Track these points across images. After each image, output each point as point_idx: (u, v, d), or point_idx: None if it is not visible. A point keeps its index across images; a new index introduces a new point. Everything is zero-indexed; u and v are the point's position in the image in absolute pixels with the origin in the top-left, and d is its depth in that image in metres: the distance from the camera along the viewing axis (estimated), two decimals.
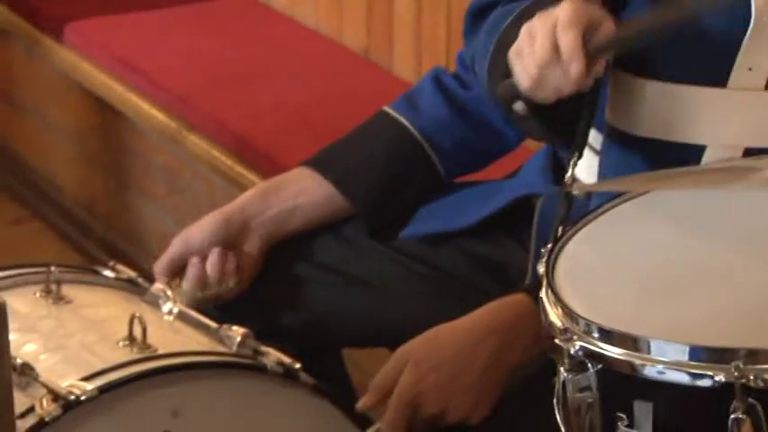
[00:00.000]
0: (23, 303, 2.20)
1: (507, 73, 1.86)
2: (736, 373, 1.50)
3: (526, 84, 1.82)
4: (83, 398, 2.01)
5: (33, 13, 3.73)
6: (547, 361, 1.74)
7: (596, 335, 1.57)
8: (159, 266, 2.30)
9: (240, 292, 2.29)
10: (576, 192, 1.82)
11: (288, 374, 2.11)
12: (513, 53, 1.83)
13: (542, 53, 1.79)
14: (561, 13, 1.79)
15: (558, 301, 1.62)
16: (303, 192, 2.33)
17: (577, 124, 1.91)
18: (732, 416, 1.51)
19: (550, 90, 1.82)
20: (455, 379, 2.04)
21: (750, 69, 1.83)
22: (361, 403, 2.09)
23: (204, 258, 2.27)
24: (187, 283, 2.26)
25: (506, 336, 2.05)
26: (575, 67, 1.77)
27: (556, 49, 1.78)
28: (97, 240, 3.63)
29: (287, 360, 2.12)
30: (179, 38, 3.51)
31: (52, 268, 2.27)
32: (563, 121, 1.90)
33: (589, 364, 1.58)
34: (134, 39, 3.51)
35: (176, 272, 2.28)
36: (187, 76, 3.34)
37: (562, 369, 1.60)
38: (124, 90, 3.40)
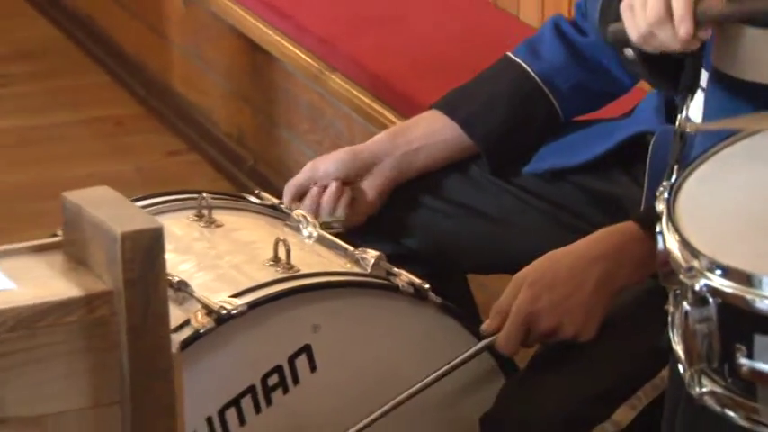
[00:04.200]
0: (179, 227, 2.24)
1: (618, 17, 1.84)
2: None
3: (635, 37, 1.81)
4: (234, 312, 2.05)
5: None
6: (651, 287, 1.74)
7: (719, 272, 1.56)
8: (287, 188, 2.34)
9: (354, 224, 2.32)
10: (689, 130, 1.81)
11: (417, 294, 2.13)
12: (624, 6, 1.82)
13: (655, 12, 1.77)
14: None
15: (682, 239, 1.61)
16: (433, 133, 2.34)
17: (685, 71, 1.89)
18: None
19: (657, 45, 1.81)
20: (567, 298, 2.06)
21: None
22: (485, 326, 2.11)
23: (323, 188, 2.29)
24: (302, 208, 2.27)
25: (613, 260, 2.06)
26: (684, 29, 1.75)
27: (668, 9, 1.76)
28: (246, 170, 3.66)
29: (417, 281, 2.14)
30: None
31: (204, 195, 2.31)
32: (670, 70, 1.90)
33: (710, 299, 1.57)
34: None
35: (301, 195, 2.31)
36: (329, 21, 3.34)
37: (685, 302, 1.59)
38: (273, 33, 3.42)
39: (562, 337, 2.08)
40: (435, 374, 2.10)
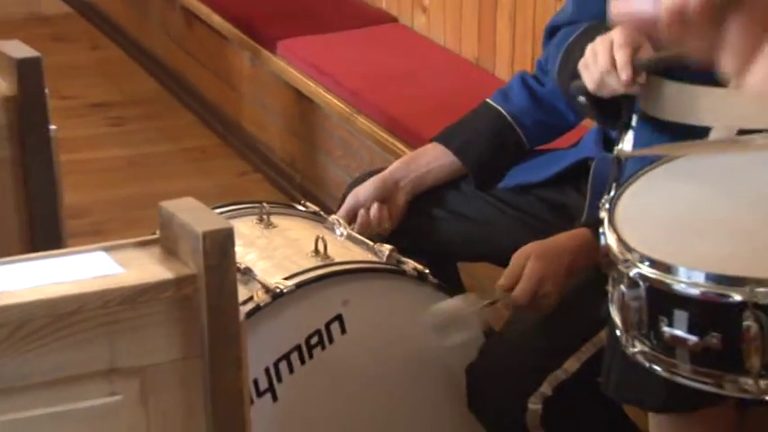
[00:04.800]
0: (245, 227, 2.24)
1: (574, 74, 1.86)
2: (749, 293, 1.49)
3: (591, 86, 1.84)
4: (285, 290, 2.05)
5: (255, 35, 3.74)
6: (594, 276, 1.76)
7: (647, 263, 1.57)
8: (339, 215, 2.31)
9: (392, 229, 2.31)
10: (624, 157, 1.81)
11: (420, 277, 2.14)
12: (581, 65, 1.86)
13: (604, 64, 1.79)
14: (616, 36, 1.79)
15: (619, 238, 1.62)
16: (435, 159, 2.34)
17: (622, 111, 1.89)
18: (745, 322, 1.50)
19: (607, 91, 1.82)
20: (557, 274, 2.06)
21: None
22: (499, 285, 2.09)
23: (368, 210, 2.29)
24: (358, 227, 2.27)
25: (577, 253, 2.06)
26: (625, 75, 1.77)
27: (613, 63, 1.77)
28: (295, 186, 3.66)
29: (420, 267, 2.15)
30: (353, 51, 3.53)
31: (264, 204, 2.32)
32: (611, 110, 1.90)
33: (641, 283, 1.57)
34: (322, 51, 3.53)
35: (351, 219, 2.30)
36: (357, 78, 3.35)
37: (622, 286, 1.60)
38: (315, 86, 3.42)
39: (544, 303, 2.07)
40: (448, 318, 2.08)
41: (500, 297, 2.07)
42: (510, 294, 2.05)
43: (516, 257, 2.07)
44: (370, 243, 2.19)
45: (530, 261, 2.05)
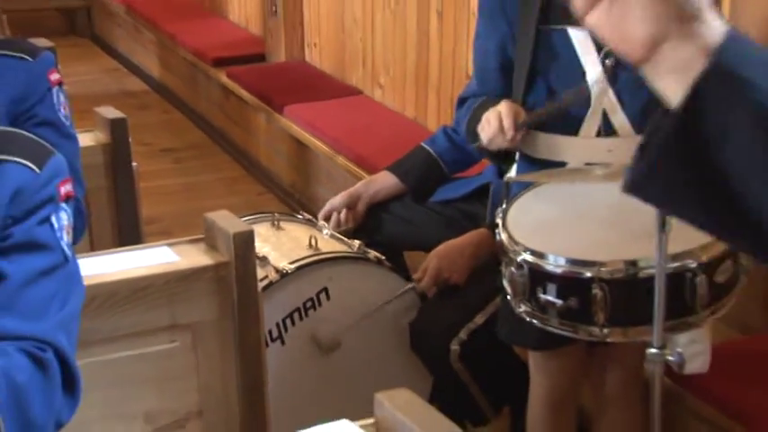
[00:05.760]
0: (262, 229, 2.19)
1: (475, 134, 1.81)
2: (596, 271, 1.52)
3: (485, 143, 1.78)
4: (289, 271, 2.02)
5: (269, 103, 3.71)
6: (493, 260, 1.75)
7: (528, 252, 1.57)
8: (320, 215, 2.29)
9: (354, 228, 2.26)
10: (510, 182, 1.77)
11: (378, 262, 2.10)
12: (479, 129, 1.80)
13: (493, 128, 1.74)
14: (502, 108, 1.74)
15: (509, 235, 1.62)
16: (386, 182, 2.30)
17: (508, 154, 1.87)
18: (593, 291, 1.51)
19: (496, 145, 1.78)
20: (456, 262, 2.04)
21: (588, 127, 1.77)
22: (416, 276, 2.09)
23: (339, 213, 2.26)
24: (331, 225, 2.24)
25: (477, 245, 2.03)
26: (509, 135, 1.72)
27: (501, 127, 1.73)
28: (296, 202, 3.63)
29: (378, 255, 2.11)
30: (334, 113, 3.47)
31: (275, 214, 2.28)
32: (501, 154, 1.86)
33: (525, 265, 1.57)
34: (314, 114, 3.48)
35: (327, 218, 2.26)
36: (337, 130, 3.33)
37: (512, 267, 1.60)
38: (311, 137, 3.39)
39: (452, 282, 2.05)
40: (391, 298, 2.08)
41: (416, 285, 2.07)
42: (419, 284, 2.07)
43: (428, 257, 2.07)
44: (346, 239, 2.15)
45: (432, 260, 2.05)
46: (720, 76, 0.62)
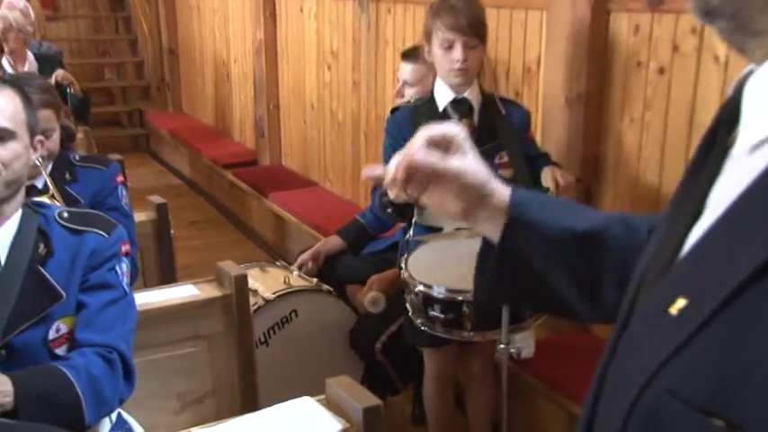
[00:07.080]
0: (253, 272, 2.14)
1: (385, 209, 1.77)
2: (465, 296, 1.50)
3: (392, 196, 1.73)
4: (271, 299, 1.98)
5: (260, 191, 3.69)
6: (400, 290, 1.73)
7: (421, 284, 1.55)
8: (297, 263, 2.22)
9: (317, 272, 2.21)
10: (410, 240, 1.76)
11: (329, 293, 2.07)
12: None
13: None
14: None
15: (409, 273, 1.60)
16: (336, 242, 2.25)
17: (409, 219, 1.84)
18: (463, 309, 1.50)
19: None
20: (387, 288, 2.00)
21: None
22: (359, 296, 2.03)
23: (306, 264, 2.19)
24: (303, 271, 2.18)
25: (393, 279, 2.00)
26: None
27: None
28: (275, 255, 3.57)
29: (329, 288, 2.07)
30: (301, 198, 3.44)
31: (262, 262, 2.24)
32: (404, 219, 1.82)
33: (419, 293, 1.55)
34: (288, 198, 3.46)
35: (301, 266, 2.19)
36: (303, 209, 3.30)
37: (411, 294, 1.57)
38: (288, 213, 3.37)
39: (380, 302, 2.00)
40: (335, 317, 2.04)
41: (363, 302, 2.04)
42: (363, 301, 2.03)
43: (367, 285, 2.03)
44: (308, 278, 2.13)
45: (375, 280, 2.01)
46: (515, 223, 0.64)
